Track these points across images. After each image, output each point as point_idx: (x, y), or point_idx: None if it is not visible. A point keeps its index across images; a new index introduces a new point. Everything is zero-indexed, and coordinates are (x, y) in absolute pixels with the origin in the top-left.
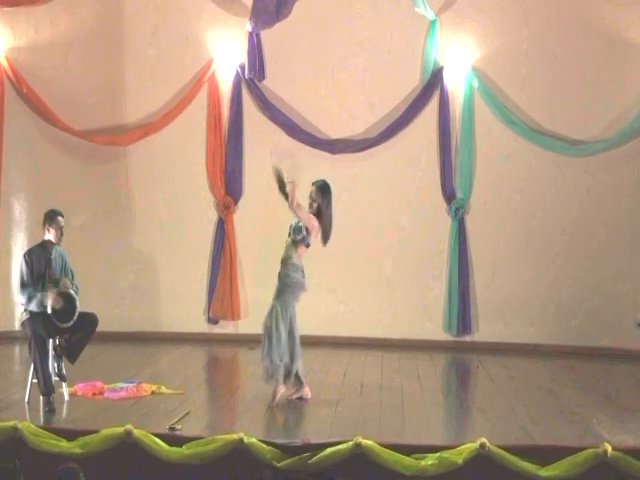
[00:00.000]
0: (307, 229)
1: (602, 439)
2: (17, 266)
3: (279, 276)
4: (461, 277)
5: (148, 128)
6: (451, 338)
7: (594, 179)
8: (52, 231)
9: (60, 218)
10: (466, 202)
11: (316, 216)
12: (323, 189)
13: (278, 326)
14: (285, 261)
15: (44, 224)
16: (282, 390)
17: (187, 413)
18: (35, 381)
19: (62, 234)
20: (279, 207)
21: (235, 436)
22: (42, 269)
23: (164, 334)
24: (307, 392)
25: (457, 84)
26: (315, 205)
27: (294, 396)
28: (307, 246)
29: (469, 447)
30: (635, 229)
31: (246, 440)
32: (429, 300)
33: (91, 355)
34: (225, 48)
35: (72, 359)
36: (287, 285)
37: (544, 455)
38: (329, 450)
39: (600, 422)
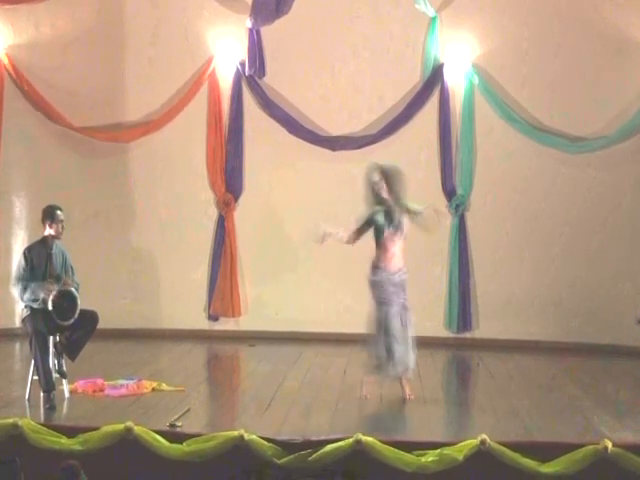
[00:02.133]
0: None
1: (602, 436)
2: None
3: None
4: (462, 274)
5: (149, 125)
6: (452, 335)
7: (594, 179)
8: (53, 226)
9: (59, 212)
10: (466, 199)
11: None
12: None
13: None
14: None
15: (43, 221)
16: None
17: (187, 410)
18: (35, 378)
19: (63, 227)
20: (279, 204)
21: (235, 433)
22: (42, 265)
23: (164, 331)
24: None
25: (457, 81)
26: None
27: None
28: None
29: (470, 444)
30: (635, 229)
31: (246, 437)
32: (430, 297)
33: (91, 352)
34: (225, 45)
35: (73, 356)
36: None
37: (545, 451)
38: (329, 447)
39: (601, 420)
